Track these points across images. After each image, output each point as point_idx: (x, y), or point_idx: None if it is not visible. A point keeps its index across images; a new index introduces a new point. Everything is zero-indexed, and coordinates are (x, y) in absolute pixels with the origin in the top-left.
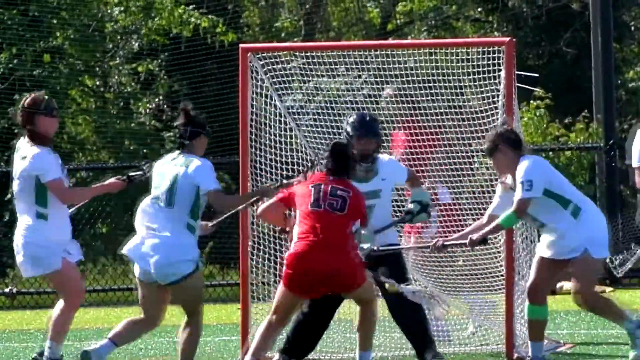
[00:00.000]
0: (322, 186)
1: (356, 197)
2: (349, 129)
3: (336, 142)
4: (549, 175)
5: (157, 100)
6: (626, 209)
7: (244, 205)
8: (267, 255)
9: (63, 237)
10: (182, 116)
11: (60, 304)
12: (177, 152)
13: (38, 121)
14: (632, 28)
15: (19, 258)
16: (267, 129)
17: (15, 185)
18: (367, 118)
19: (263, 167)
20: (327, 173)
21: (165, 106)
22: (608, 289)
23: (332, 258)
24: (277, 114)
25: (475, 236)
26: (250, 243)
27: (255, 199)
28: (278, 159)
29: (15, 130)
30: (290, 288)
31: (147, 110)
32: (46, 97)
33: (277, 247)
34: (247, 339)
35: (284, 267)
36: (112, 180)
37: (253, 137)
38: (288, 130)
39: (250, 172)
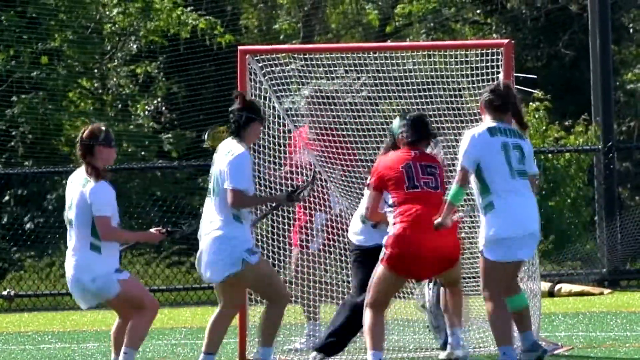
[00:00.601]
0: (412, 165)
1: (441, 171)
2: (403, 130)
3: (411, 113)
4: (485, 153)
5: (155, 102)
6: (625, 211)
7: (262, 214)
8: (265, 258)
9: (111, 270)
10: (238, 101)
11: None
12: (230, 138)
13: (97, 152)
14: (631, 30)
15: (72, 290)
16: (266, 130)
17: (72, 214)
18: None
19: (261, 168)
20: (410, 147)
21: (163, 108)
22: (606, 290)
23: (436, 236)
24: (276, 116)
25: (435, 221)
26: None
27: (273, 206)
28: (276, 160)
29: (13, 133)
30: (396, 270)
31: (146, 112)
32: (103, 127)
33: (275, 250)
34: (246, 341)
35: (386, 250)
36: (152, 231)
37: None
38: (286, 132)
39: None
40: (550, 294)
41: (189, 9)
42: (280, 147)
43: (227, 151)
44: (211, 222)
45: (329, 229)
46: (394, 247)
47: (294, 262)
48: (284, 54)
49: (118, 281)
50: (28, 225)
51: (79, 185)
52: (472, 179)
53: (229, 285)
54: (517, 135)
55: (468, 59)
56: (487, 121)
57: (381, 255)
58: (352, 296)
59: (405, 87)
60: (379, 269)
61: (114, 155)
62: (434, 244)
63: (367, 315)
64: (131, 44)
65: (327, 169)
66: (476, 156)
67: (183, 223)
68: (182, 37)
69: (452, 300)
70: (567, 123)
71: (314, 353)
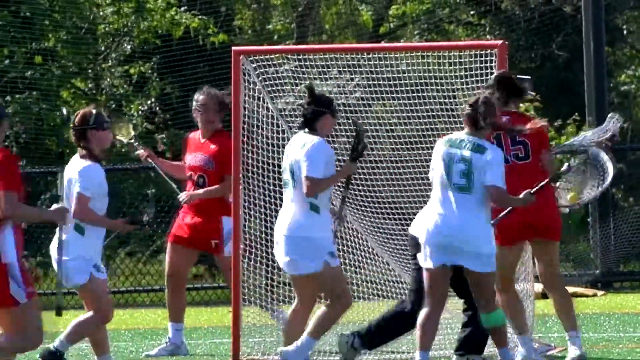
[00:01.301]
0: (501, 135)
1: (534, 131)
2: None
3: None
4: (434, 160)
5: (149, 102)
6: (618, 212)
7: (341, 200)
8: (258, 258)
9: (93, 255)
10: (307, 95)
11: (87, 314)
12: (302, 131)
13: (90, 137)
14: (624, 31)
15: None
16: (259, 131)
17: (66, 201)
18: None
19: (255, 169)
20: (504, 104)
21: (157, 108)
22: (599, 292)
23: (537, 207)
24: (269, 117)
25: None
26: (242, 246)
27: (346, 183)
28: (270, 161)
29: (7, 132)
30: (502, 242)
31: (139, 113)
32: (94, 110)
33: (269, 250)
34: (239, 342)
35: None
36: (118, 221)
37: (245, 139)
38: (280, 132)
39: (242, 174)
40: (544, 295)
41: (182, 9)
42: (274, 147)
43: (302, 144)
44: (288, 214)
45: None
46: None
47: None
48: (277, 55)
49: (91, 273)
50: (22, 225)
51: (72, 169)
52: None
53: (305, 280)
54: (476, 149)
55: (462, 60)
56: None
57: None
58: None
59: (399, 88)
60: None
61: (108, 138)
62: (532, 213)
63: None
64: (125, 45)
65: None
66: (432, 161)
67: (144, 212)
68: (175, 37)
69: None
70: (556, 124)
71: (354, 337)
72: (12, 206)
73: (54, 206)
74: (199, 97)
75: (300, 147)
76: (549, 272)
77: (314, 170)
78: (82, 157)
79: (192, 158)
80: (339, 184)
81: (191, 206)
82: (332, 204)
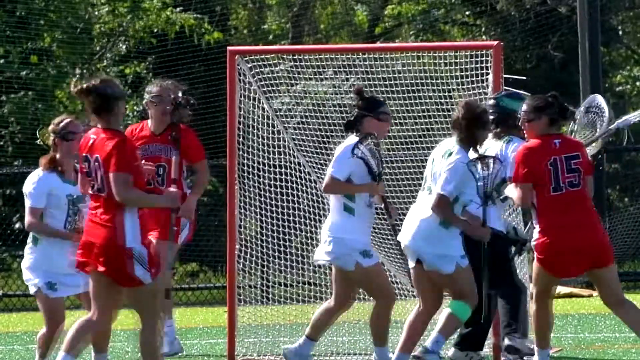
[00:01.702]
0: (558, 162)
1: (584, 156)
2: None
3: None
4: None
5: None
6: (614, 212)
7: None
8: (254, 259)
9: (49, 268)
10: (355, 97)
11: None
12: (351, 135)
13: (57, 145)
14: (620, 32)
15: None
16: (255, 131)
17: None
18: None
19: (250, 169)
20: (551, 125)
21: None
22: (595, 292)
23: (589, 235)
24: (265, 117)
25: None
26: (237, 246)
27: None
28: (266, 161)
29: (2, 132)
30: (553, 272)
31: (134, 113)
32: (66, 120)
33: (264, 251)
34: (235, 341)
35: (538, 254)
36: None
37: (241, 139)
38: (276, 132)
39: (237, 174)
40: None
41: (178, 9)
42: (269, 147)
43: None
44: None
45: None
46: (548, 255)
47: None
48: (273, 55)
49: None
50: (17, 225)
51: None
52: None
53: (337, 275)
54: (446, 155)
55: (457, 61)
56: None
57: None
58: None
59: (394, 88)
60: (536, 271)
61: (73, 148)
62: (584, 242)
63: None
64: (120, 45)
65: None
66: None
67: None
68: (170, 37)
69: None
70: None
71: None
72: (123, 188)
73: (168, 191)
74: (152, 89)
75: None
76: (615, 297)
77: (338, 171)
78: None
79: (147, 149)
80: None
81: None
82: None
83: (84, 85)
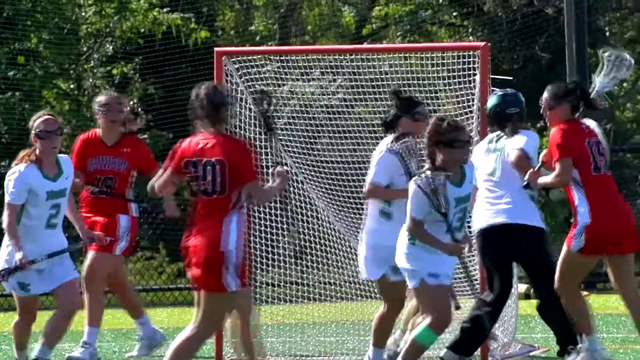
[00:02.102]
0: (592, 144)
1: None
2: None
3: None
4: None
5: (131, 103)
6: None
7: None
8: None
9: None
10: (392, 97)
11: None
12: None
13: (33, 142)
14: (607, 33)
15: None
16: (242, 132)
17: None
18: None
19: None
20: (572, 112)
21: (139, 109)
22: (583, 293)
23: (630, 217)
24: (252, 117)
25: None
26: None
27: None
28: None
29: None
30: (605, 251)
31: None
32: (43, 117)
33: (252, 251)
34: (222, 342)
35: (582, 237)
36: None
37: None
38: (263, 133)
39: None
40: (527, 295)
41: (165, 9)
42: (257, 148)
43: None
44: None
45: None
46: (596, 235)
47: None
48: (260, 56)
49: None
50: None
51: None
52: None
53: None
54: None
55: (444, 62)
56: None
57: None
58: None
59: (381, 89)
60: (566, 257)
61: (48, 145)
62: (625, 227)
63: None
64: (107, 45)
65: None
66: None
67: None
68: (157, 37)
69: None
70: (538, 125)
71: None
72: (259, 193)
73: (276, 170)
74: (100, 98)
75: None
76: (633, 286)
77: (378, 176)
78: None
79: (98, 161)
80: None
81: (90, 205)
82: None
83: (198, 93)
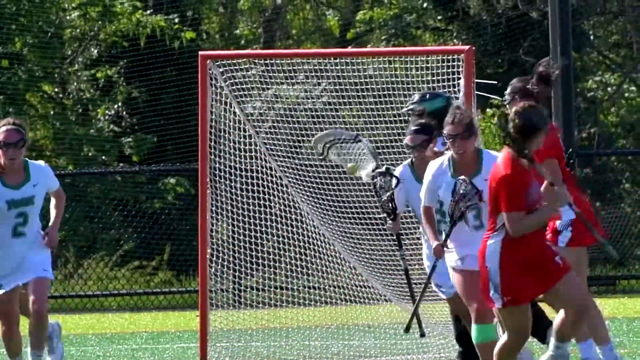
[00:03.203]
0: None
1: None
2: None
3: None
4: None
5: (116, 106)
6: None
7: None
8: (226, 263)
9: None
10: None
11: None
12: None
13: None
14: (591, 37)
15: None
16: (227, 135)
17: None
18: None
19: (222, 174)
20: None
21: (124, 112)
22: None
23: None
24: (237, 121)
25: None
26: (209, 250)
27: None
28: (237, 165)
29: None
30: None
31: (106, 117)
32: (5, 127)
33: (236, 255)
34: (207, 346)
35: (579, 229)
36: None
37: (212, 144)
38: (247, 137)
39: (209, 178)
40: None
41: (148, 11)
42: (241, 152)
43: None
44: None
45: None
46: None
47: None
48: (244, 59)
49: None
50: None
51: None
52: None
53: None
54: None
55: (429, 65)
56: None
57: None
58: None
59: (365, 93)
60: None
61: (7, 157)
62: None
63: None
64: (92, 49)
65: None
66: None
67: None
68: (142, 38)
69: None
70: None
71: None
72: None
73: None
74: None
75: None
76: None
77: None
78: None
79: None
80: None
81: None
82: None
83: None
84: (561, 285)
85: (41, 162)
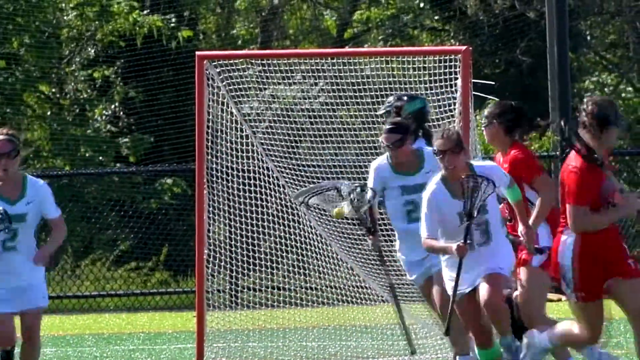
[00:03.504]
0: None
1: None
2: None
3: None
4: None
5: (113, 106)
6: None
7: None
8: (223, 263)
9: None
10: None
11: None
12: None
13: None
14: (588, 37)
15: None
16: (224, 136)
17: None
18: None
19: (219, 174)
20: (507, 134)
21: (121, 113)
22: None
23: None
24: (234, 121)
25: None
26: (206, 250)
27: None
28: (234, 166)
29: None
30: None
31: (103, 117)
32: None
33: (233, 255)
34: (204, 347)
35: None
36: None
37: (209, 144)
38: (244, 137)
39: (206, 179)
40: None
41: (145, 11)
42: (238, 152)
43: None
44: None
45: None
46: None
47: None
48: (241, 60)
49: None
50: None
51: None
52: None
53: None
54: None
55: (426, 65)
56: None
57: None
58: None
59: (363, 93)
60: None
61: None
62: None
63: None
64: (89, 49)
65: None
66: None
67: None
68: (139, 38)
69: None
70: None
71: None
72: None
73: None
74: None
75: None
76: None
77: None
78: None
79: None
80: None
81: None
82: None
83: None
84: (627, 286)
85: (40, 181)
